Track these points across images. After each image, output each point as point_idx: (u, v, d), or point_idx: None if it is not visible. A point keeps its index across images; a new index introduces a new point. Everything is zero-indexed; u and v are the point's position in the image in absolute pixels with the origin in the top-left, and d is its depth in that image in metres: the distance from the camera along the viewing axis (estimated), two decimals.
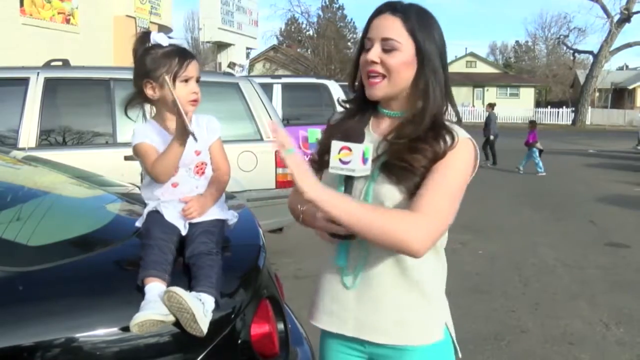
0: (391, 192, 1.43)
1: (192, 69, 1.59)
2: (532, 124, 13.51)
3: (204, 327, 1.42)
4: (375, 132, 1.53)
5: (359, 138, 1.41)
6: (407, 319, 1.47)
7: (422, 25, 1.44)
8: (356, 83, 1.57)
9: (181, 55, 1.58)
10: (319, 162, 1.53)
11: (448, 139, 1.42)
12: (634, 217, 8.16)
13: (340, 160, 1.40)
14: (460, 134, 1.45)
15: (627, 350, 3.79)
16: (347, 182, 1.44)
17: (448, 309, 1.55)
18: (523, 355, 3.71)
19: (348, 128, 1.46)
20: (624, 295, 4.85)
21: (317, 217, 1.43)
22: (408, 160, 1.41)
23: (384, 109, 1.53)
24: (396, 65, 1.44)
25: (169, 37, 1.61)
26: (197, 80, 1.62)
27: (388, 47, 1.43)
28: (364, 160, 1.40)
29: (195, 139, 1.49)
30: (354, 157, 1.39)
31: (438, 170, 1.41)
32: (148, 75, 1.57)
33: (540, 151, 12.87)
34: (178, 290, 1.40)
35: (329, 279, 1.55)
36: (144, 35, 1.61)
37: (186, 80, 1.58)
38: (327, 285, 1.55)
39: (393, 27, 1.43)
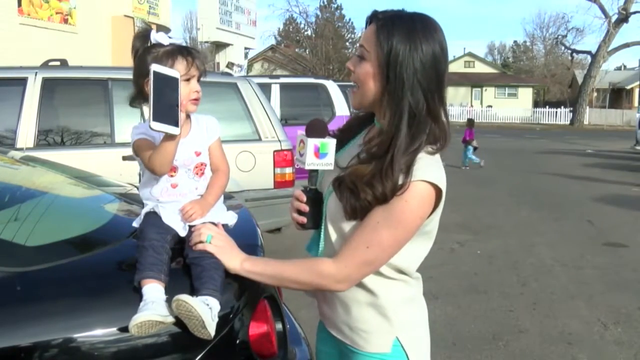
0: (336, 209, 1.44)
1: (194, 67, 1.58)
2: (470, 122, 14.27)
3: (212, 331, 1.43)
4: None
5: (317, 133, 1.45)
6: (355, 324, 1.49)
7: (400, 36, 1.34)
8: None
9: (184, 53, 1.57)
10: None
11: (401, 178, 1.33)
12: (631, 217, 8.17)
13: (299, 152, 1.50)
14: (419, 173, 1.33)
15: (625, 350, 3.79)
16: (311, 174, 1.50)
17: (406, 322, 1.49)
18: (521, 355, 3.71)
19: (310, 123, 1.48)
20: (621, 295, 4.86)
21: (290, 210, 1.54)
22: (358, 187, 1.36)
23: (375, 118, 1.52)
24: (360, 74, 1.41)
25: (169, 37, 1.60)
26: (199, 79, 1.62)
27: (359, 54, 1.42)
28: (320, 155, 1.45)
29: (177, 126, 1.45)
30: (306, 150, 1.45)
31: (375, 217, 1.36)
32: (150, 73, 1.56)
33: (475, 148, 13.66)
34: (186, 298, 1.40)
35: None
36: (144, 34, 1.60)
37: (188, 79, 1.58)
38: None
39: (367, 35, 1.40)
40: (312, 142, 1.45)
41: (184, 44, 1.62)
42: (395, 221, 1.35)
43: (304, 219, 1.52)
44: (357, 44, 1.45)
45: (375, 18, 1.40)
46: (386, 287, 1.47)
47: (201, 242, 1.51)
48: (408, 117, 1.35)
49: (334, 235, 1.46)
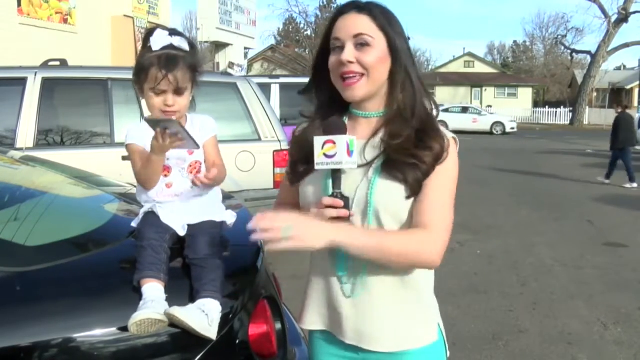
0: (390, 196, 1.39)
1: (164, 83, 1.52)
2: None
3: (212, 335, 1.43)
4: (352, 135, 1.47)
5: (341, 130, 1.39)
6: (405, 325, 1.45)
7: (388, 21, 1.45)
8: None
9: (160, 65, 1.51)
10: (293, 175, 1.53)
11: (442, 136, 1.43)
12: (631, 217, 8.18)
13: (325, 155, 1.38)
14: (444, 132, 1.46)
15: (625, 350, 3.79)
16: (335, 177, 1.38)
17: (437, 307, 1.54)
18: (521, 355, 3.71)
19: (330, 122, 1.42)
20: (621, 294, 4.87)
21: (312, 212, 1.39)
22: (416, 155, 1.39)
23: (358, 110, 1.49)
24: (372, 61, 1.42)
25: (170, 37, 1.57)
26: (181, 92, 1.55)
27: (362, 42, 1.41)
28: (350, 153, 1.37)
29: (189, 136, 1.47)
30: (339, 149, 1.36)
31: (438, 177, 1.40)
32: (136, 77, 1.57)
33: None
34: (175, 311, 1.39)
35: (325, 286, 1.50)
36: (148, 34, 1.59)
37: (158, 94, 1.54)
38: (324, 292, 1.51)
39: (362, 24, 1.42)
40: (344, 139, 1.36)
41: (182, 45, 1.58)
42: (449, 179, 1.42)
43: (343, 211, 1.37)
44: (352, 35, 1.41)
45: (357, 8, 1.45)
46: (424, 273, 1.49)
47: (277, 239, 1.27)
48: (420, 85, 1.47)
49: (391, 225, 1.41)
